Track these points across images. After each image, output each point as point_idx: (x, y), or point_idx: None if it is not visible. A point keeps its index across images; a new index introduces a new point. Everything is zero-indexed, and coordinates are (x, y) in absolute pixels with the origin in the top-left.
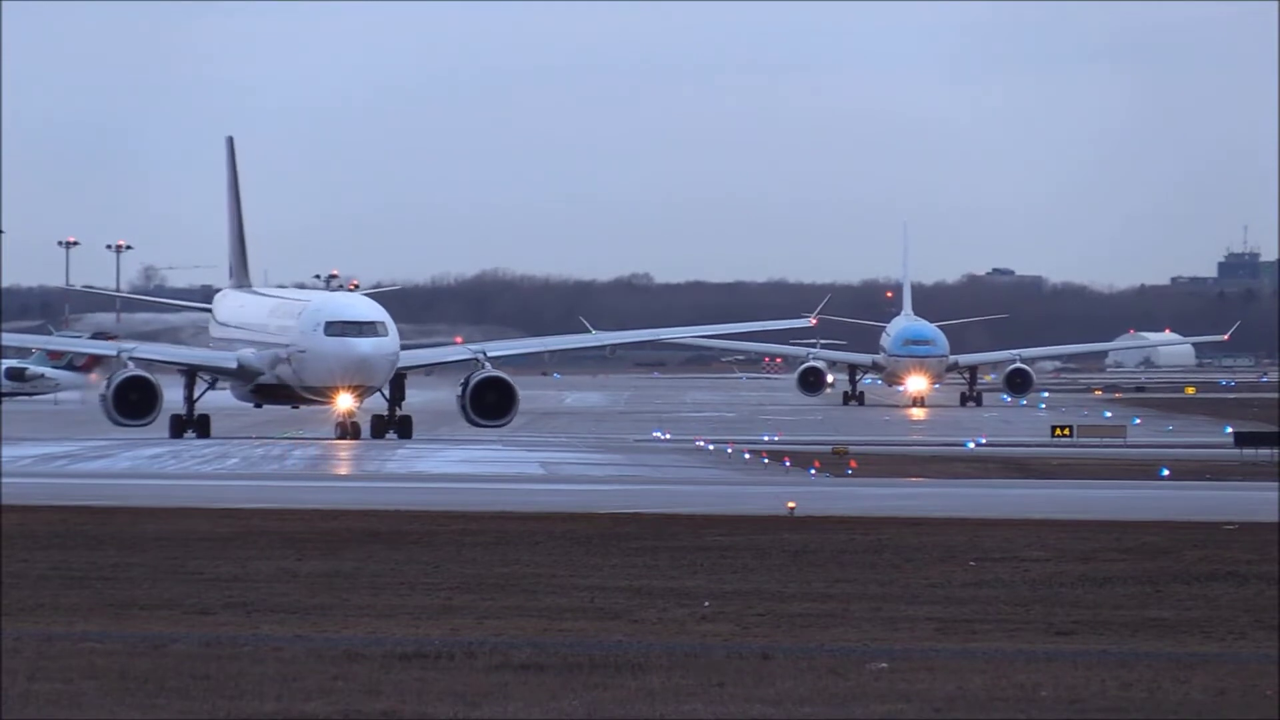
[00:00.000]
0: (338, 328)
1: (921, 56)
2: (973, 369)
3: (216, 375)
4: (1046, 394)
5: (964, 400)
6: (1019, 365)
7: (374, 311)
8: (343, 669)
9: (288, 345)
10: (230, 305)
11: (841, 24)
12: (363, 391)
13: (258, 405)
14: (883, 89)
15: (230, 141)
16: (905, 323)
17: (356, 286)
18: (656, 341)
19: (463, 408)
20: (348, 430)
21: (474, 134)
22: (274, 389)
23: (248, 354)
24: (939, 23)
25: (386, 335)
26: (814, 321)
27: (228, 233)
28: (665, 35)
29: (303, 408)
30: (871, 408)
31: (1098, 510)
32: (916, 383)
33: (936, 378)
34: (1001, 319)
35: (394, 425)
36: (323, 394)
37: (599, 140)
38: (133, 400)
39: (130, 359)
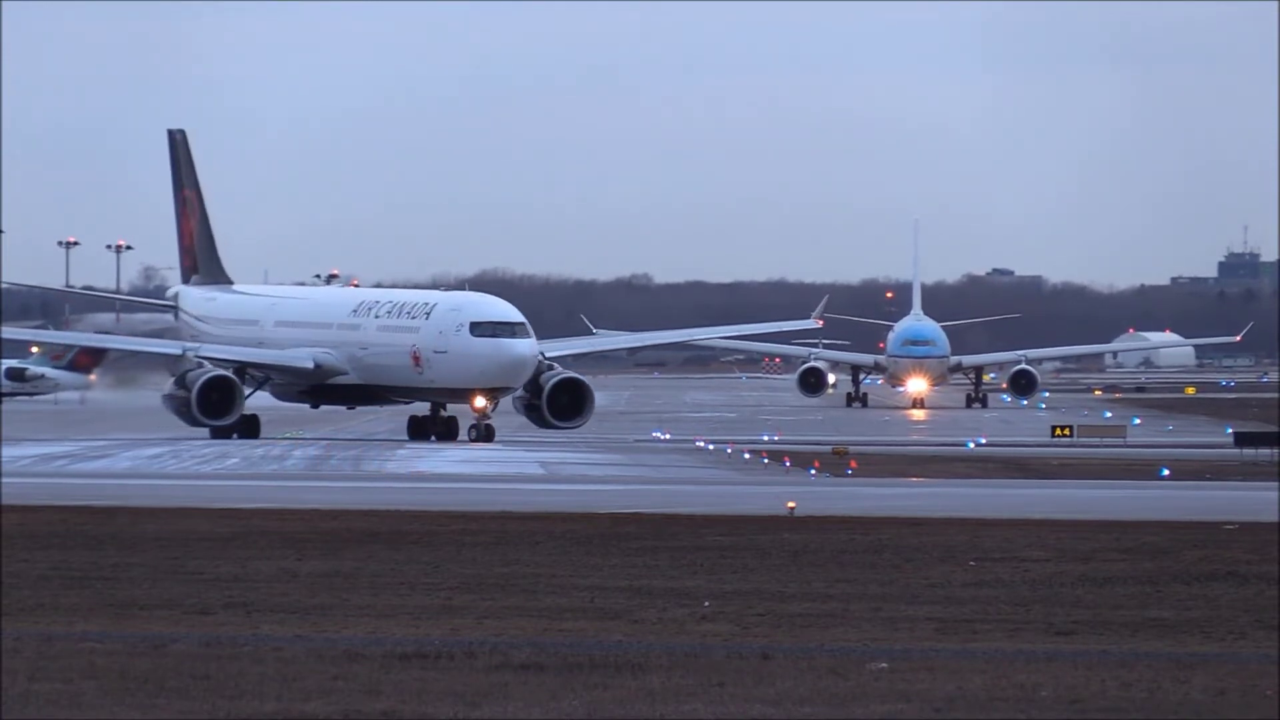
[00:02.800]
0: (486, 328)
1: (921, 57)
2: (978, 370)
3: (286, 376)
4: (1047, 394)
5: (969, 402)
6: (1024, 367)
7: (515, 311)
8: (343, 669)
9: (410, 346)
10: (237, 302)
11: (841, 25)
12: (502, 393)
13: (314, 406)
14: (882, 90)
15: (183, 135)
16: (906, 323)
17: (356, 285)
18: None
19: (530, 409)
20: (481, 432)
21: (474, 134)
22: (335, 389)
23: (322, 354)
24: (939, 23)
25: (531, 336)
26: (820, 322)
27: (191, 230)
28: (665, 36)
29: (357, 408)
30: (874, 409)
31: (1098, 510)
32: (916, 384)
33: (937, 379)
34: (1013, 319)
35: (439, 426)
36: (458, 396)
37: (599, 140)
38: (213, 400)
39: (197, 358)
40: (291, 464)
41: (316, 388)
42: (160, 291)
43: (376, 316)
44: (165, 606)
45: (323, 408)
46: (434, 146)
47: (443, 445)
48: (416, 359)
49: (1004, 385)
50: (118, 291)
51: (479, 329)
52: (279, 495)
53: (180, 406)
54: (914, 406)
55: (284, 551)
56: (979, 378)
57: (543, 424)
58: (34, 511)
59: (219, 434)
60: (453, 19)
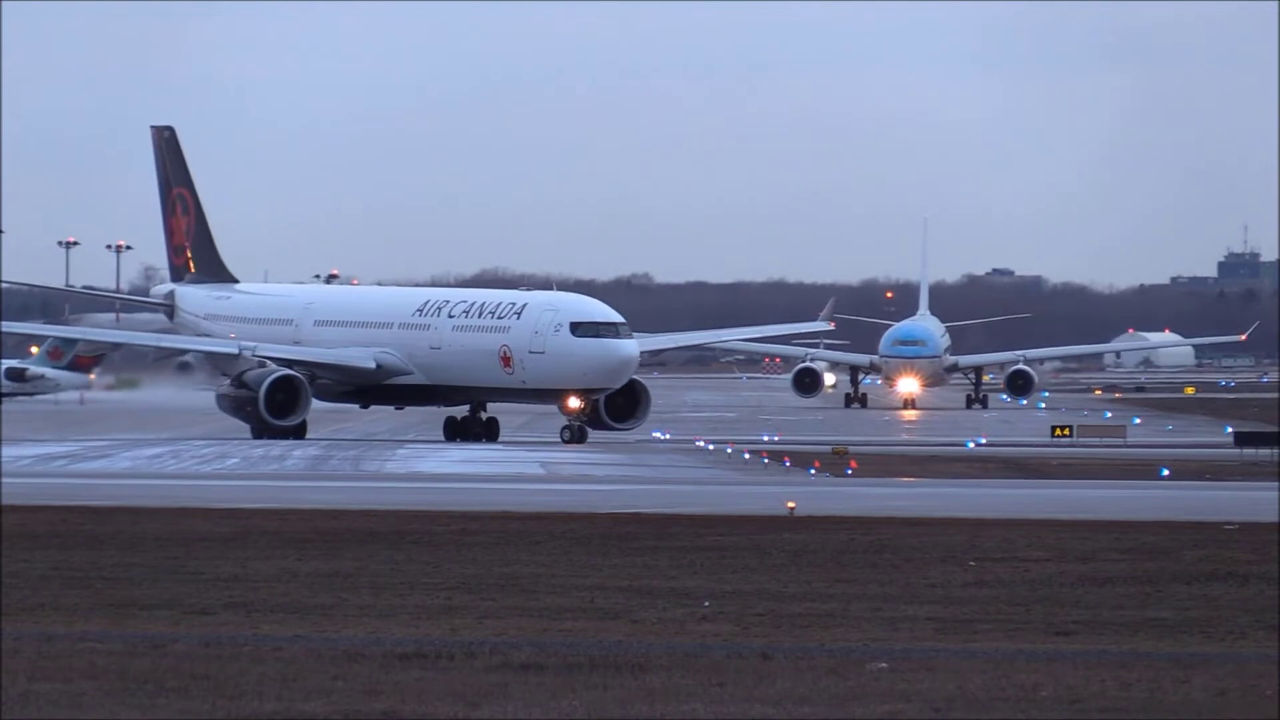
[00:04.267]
0: (589, 329)
1: (921, 58)
2: (978, 370)
3: (343, 376)
4: (1047, 394)
5: (969, 402)
6: (1020, 367)
7: (614, 311)
8: (343, 669)
9: (499, 346)
10: (261, 301)
11: (841, 26)
12: (599, 394)
13: (364, 406)
14: (882, 90)
15: (172, 132)
16: (900, 322)
17: (356, 284)
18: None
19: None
20: (575, 433)
21: (474, 133)
22: (393, 389)
23: (382, 353)
24: (939, 24)
25: (632, 336)
26: (832, 324)
27: (184, 229)
28: (664, 36)
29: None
30: (872, 409)
31: (1098, 510)
32: (907, 384)
33: (929, 379)
34: (1017, 319)
35: (481, 428)
36: (551, 397)
37: (599, 140)
38: (279, 400)
39: (258, 357)
40: (291, 464)
41: (369, 388)
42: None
43: (450, 316)
44: (165, 606)
45: (366, 407)
46: (434, 145)
47: (485, 446)
48: (506, 359)
49: (989, 379)
50: (118, 291)
51: (581, 329)
52: (279, 495)
53: (241, 406)
54: (905, 407)
55: (284, 551)
56: (979, 378)
57: (597, 425)
58: (34, 511)
59: (274, 435)
60: (453, 18)
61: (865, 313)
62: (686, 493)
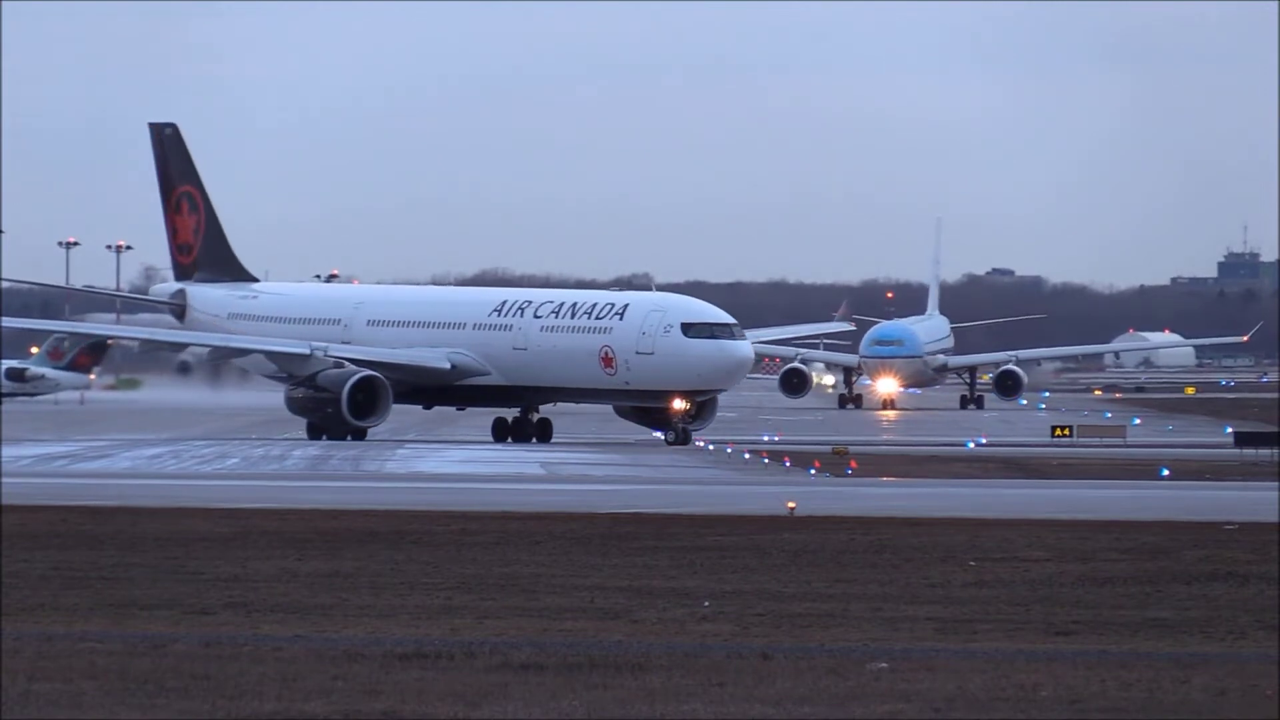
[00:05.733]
0: (702, 329)
1: (921, 58)
2: (972, 370)
3: (413, 376)
4: (1047, 394)
5: (964, 403)
6: (1009, 367)
7: (725, 312)
8: (343, 669)
9: (599, 347)
10: (300, 300)
11: (840, 24)
12: (710, 395)
13: (427, 406)
14: (882, 91)
15: (175, 130)
16: (881, 323)
17: (357, 284)
18: None
19: (643, 412)
20: (680, 435)
21: (475, 133)
22: (465, 390)
23: (456, 354)
24: (939, 24)
25: (745, 337)
26: (853, 324)
27: (190, 227)
28: (664, 36)
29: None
30: (868, 408)
31: (1098, 510)
32: (885, 384)
33: (909, 379)
34: (1015, 320)
35: (535, 429)
36: (657, 398)
37: (599, 140)
38: (359, 401)
39: (335, 358)
40: (291, 464)
41: (437, 389)
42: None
43: (537, 316)
44: (165, 606)
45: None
46: (434, 145)
47: (536, 447)
48: (608, 360)
49: (989, 379)
50: (118, 291)
51: (693, 330)
52: (279, 495)
53: (319, 407)
54: (884, 407)
55: (284, 551)
56: (973, 378)
57: (664, 427)
58: (34, 511)
59: (347, 436)
60: (454, 18)
61: (866, 313)
62: (686, 493)
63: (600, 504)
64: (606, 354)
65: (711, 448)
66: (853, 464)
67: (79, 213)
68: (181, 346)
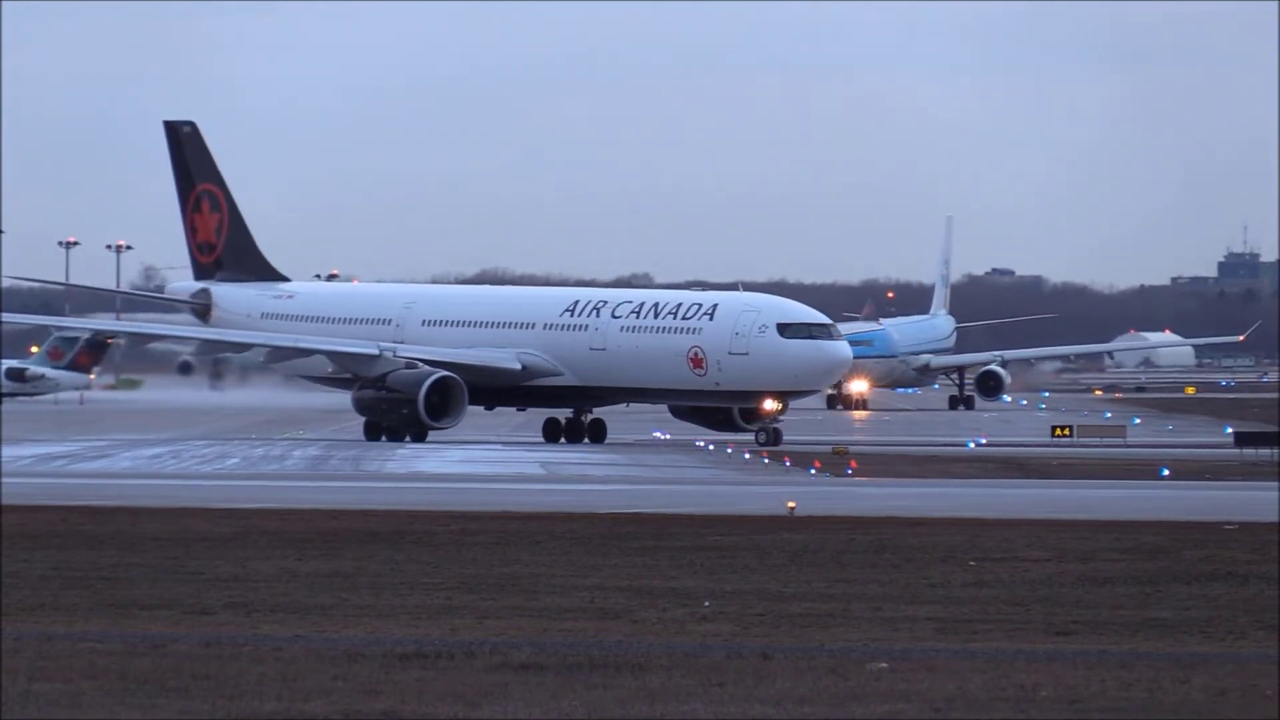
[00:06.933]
0: (799, 330)
1: (921, 57)
2: (960, 370)
3: (482, 377)
4: (1047, 394)
5: (954, 403)
6: (991, 368)
7: (819, 312)
8: (343, 669)
9: (687, 348)
10: (344, 299)
11: (839, 23)
12: (805, 395)
13: (489, 408)
14: (882, 89)
15: (194, 127)
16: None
17: (357, 283)
18: None
19: (701, 412)
20: (770, 435)
21: (475, 132)
22: (525, 391)
23: (526, 354)
24: (938, 22)
25: (843, 337)
26: (880, 323)
27: (212, 226)
28: (664, 35)
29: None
30: (839, 409)
31: (1098, 510)
32: (856, 384)
33: (880, 380)
34: (1051, 319)
35: (587, 428)
36: (746, 399)
37: (600, 139)
38: (434, 402)
39: (407, 358)
40: (291, 464)
41: (503, 389)
42: (159, 291)
43: (615, 316)
44: (165, 606)
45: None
46: (435, 145)
47: (578, 448)
48: (698, 360)
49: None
50: (117, 291)
51: (790, 330)
52: (279, 495)
53: (392, 408)
54: (855, 407)
55: (284, 551)
56: (962, 378)
57: (729, 427)
58: (34, 511)
59: (410, 436)
60: (454, 15)
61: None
62: (686, 493)
63: (600, 504)
64: (696, 354)
65: (711, 448)
66: (853, 464)
67: (79, 213)
68: (245, 347)
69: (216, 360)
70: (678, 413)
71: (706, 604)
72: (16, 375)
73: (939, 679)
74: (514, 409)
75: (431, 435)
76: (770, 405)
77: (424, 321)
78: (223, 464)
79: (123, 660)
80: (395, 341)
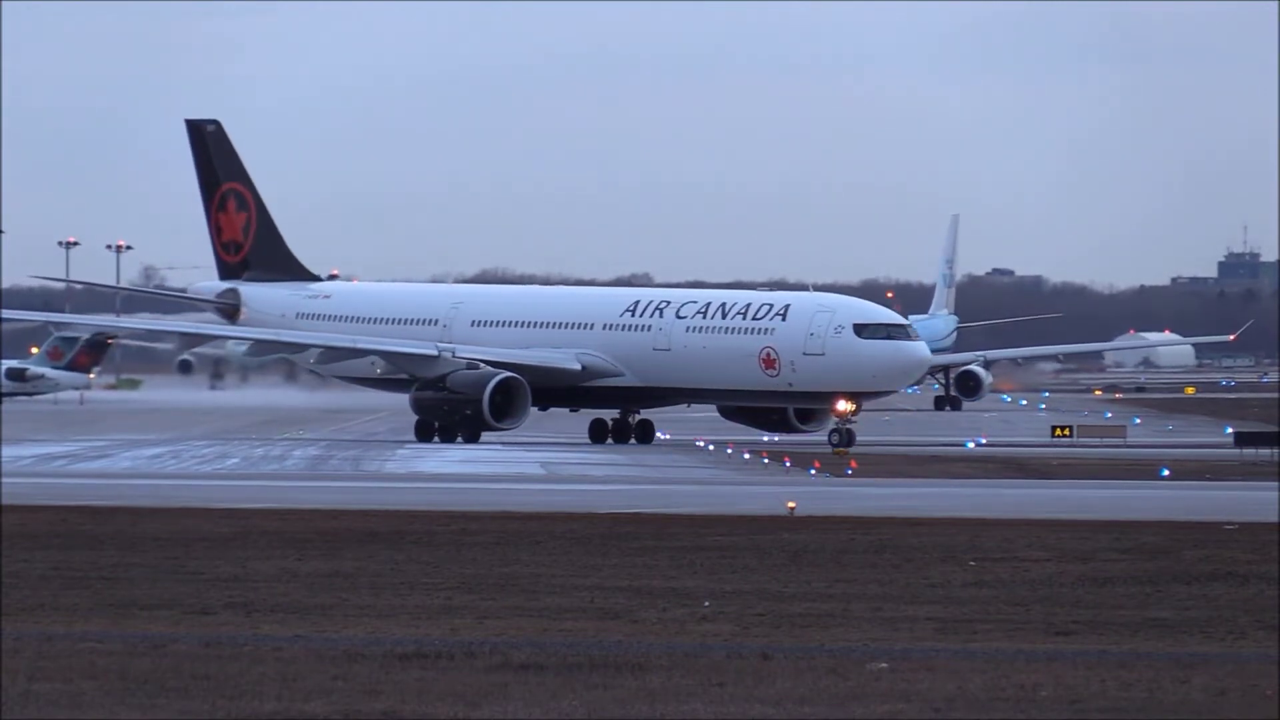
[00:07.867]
0: (876, 330)
1: (921, 56)
2: (945, 370)
3: (540, 378)
4: (1047, 394)
5: (939, 404)
6: (970, 368)
7: (895, 313)
8: (343, 669)
9: (759, 348)
10: (387, 299)
11: (838, 23)
12: (881, 396)
13: (543, 408)
14: (881, 89)
15: (218, 126)
16: None
17: (357, 283)
18: None
19: (754, 413)
20: (844, 437)
21: (475, 132)
22: (583, 392)
23: (586, 354)
24: (939, 22)
25: (920, 337)
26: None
27: (238, 226)
28: (664, 35)
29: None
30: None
31: (1098, 510)
32: None
33: None
34: (1051, 319)
35: (635, 429)
36: (819, 399)
37: (599, 138)
38: (497, 402)
39: (468, 359)
40: (291, 464)
41: (560, 390)
42: (176, 291)
43: (679, 317)
44: (165, 606)
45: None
46: (435, 144)
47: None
48: (770, 361)
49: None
50: (117, 290)
51: (867, 331)
52: (279, 495)
53: (455, 409)
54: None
55: (284, 551)
56: (948, 378)
57: (783, 428)
58: (34, 511)
59: (449, 438)
60: (455, 14)
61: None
62: (686, 493)
63: (600, 504)
64: (769, 355)
65: (711, 448)
66: (853, 464)
67: (79, 212)
68: (302, 347)
69: (216, 360)
70: (727, 413)
71: (706, 604)
72: (16, 375)
73: (939, 679)
74: (567, 410)
75: (487, 435)
76: (844, 406)
77: (473, 322)
78: (223, 464)
79: (123, 660)
80: (444, 342)
